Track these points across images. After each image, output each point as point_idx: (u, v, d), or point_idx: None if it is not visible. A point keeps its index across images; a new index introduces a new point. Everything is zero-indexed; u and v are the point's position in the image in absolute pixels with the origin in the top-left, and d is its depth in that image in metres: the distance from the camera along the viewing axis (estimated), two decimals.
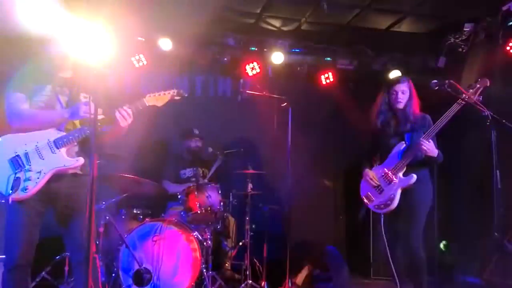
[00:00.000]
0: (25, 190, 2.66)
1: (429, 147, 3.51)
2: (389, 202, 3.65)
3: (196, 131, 5.26)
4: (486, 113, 3.19)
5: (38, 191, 2.70)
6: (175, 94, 2.97)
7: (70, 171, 2.81)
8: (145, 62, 5.48)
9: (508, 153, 3.50)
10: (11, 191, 2.62)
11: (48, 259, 4.20)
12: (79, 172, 2.84)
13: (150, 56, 5.48)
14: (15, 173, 2.66)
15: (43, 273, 4.14)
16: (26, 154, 2.71)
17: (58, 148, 2.75)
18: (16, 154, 2.70)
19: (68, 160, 2.78)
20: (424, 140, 3.49)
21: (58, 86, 2.82)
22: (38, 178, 2.69)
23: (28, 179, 2.67)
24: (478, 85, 3.45)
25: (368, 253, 5.49)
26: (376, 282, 5.29)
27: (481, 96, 3.41)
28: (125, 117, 2.81)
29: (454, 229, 5.54)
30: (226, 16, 5.31)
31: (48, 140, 2.75)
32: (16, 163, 2.70)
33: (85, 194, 2.79)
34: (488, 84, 3.44)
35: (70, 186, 2.82)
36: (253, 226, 4.76)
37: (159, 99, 2.93)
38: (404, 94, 3.74)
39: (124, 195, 4.42)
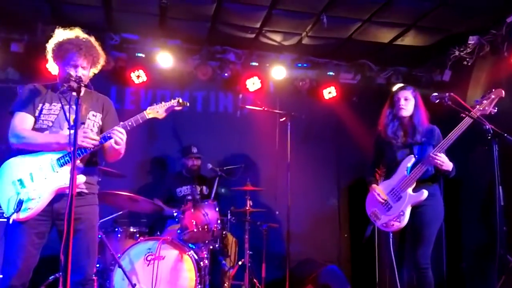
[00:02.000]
0: (27, 210, 2.66)
1: (444, 160, 3.34)
2: (398, 220, 3.45)
3: (195, 150, 5.20)
4: (488, 127, 3.05)
5: (41, 210, 2.69)
6: (175, 104, 2.92)
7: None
8: (145, 79, 5.46)
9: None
10: (13, 211, 2.63)
11: (41, 279, 4.11)
12: (84, 190, 2.82)
13: (150, 72, 5.46)
14: (18, 194, 2.67)
15: None
16: (31, 175, 2.71)
17: (60, 167, 2.74)
18: (21, 175, 2.71)
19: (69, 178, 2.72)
20: (438, 153, 3.32)
21: (67, 105, 2.77)
22: (40, 197, 2.68)
23: (30, 199, 2.66)
24: (493, 96, 3.31)
25: (373, 273, 5.32)
26: None
27: (496, 108, 3.28)
28: (117, 136, 2.74)
29: (463, 247, 5.37)
30: (226, 31, 5.28)
31: (51, 159, 2.75)
32: (20, 184, 2.70)
33: (89, 213, 2.83)
34: (503, 95, 3.30)
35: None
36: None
37: (160, 110, 2.90)
38: (407, 100, 3.58)
39: (120, 213, 4.35)
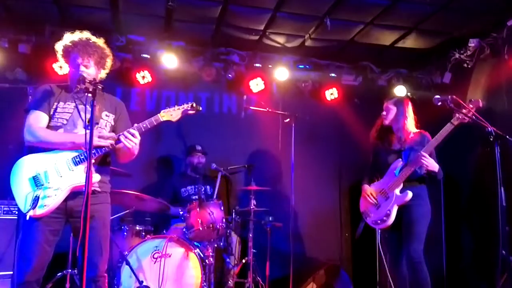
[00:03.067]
0: (43, 207, 2.72)
1: (429, 162, 3.55)
2: (385, 218, 3.71)
3: (199, 147, 5.26)
4: (490, 129, 3.13)
5: (56, 208, 2.75)
6: (189, 108, 2.99)
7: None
8: (150, 79, 5.52)
9: None
10: (29, 207, 2.69)
11: (49, 276, 4.16)
12: (97, 189, 2.89)
13: (155, 73, 5.53)
14: (34, 191, 2.73)
15: None
16: (46, 173, 2.77)
17: (76, 165, 2.80)
18: (37, 172, 2.77)
19: (84, 176, 2.78)
20: (424, 153, 3.53)
21: (81, 104, 2.85)
22: (55, 195, 2.74)
23: (46, 196, 2.72)
24: (471, 105, 3.43)
25: (374, 270, 5.39)
26: None
27: (474, 117, 3.38)
28: (129, 139, 2.81)
29: (463, 248, 5.44)
30: (231, 33, 5.34)
31: (67, 158, 2.81)
32: (37, 181, 2.76)
33: (102, 211, 2.90)
34: (481, 105, 3.43)
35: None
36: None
37: (173, 114, 2.96)
38: (387, 111, 3.86)
39: (127, 211, 4.42)
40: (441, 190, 5.02)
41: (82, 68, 2.88)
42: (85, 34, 2.98)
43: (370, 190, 3.88)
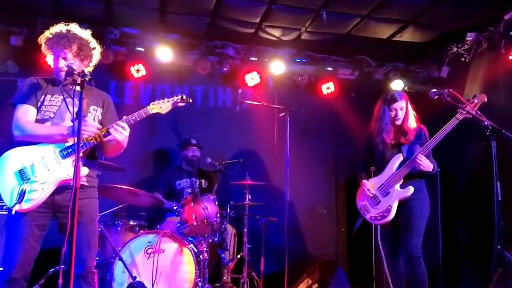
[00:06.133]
0: (29, 201, 2.67)
1: (425, 164, 3.55)
2: (385, 213, 3.68)
3: (194, 141, 5.23)
4: (486, 123, 3.11)
5: (43, 203, 2.71)
6: (179, 100, 2.95)
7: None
8: (144, 73, 5.46)
9: (510, 164, 3.42)
10: (15, 201, 2.64)
11: (41, 271, 4.13)
12: (85, 183, 2.84)
13: (150, 66, 5.47)
14: (20, 184, 2.68)
15: (36, 286, 4.07)
16: (32, 166, 2.72)
17: (63, 159, 2.76)
18: (23, 166, 2.72)
19: (73, 170, 2.73)
20: (421, 156, 3.53)
21: (69, 97, 2.82)
22: (42, 189, 2.69)
23: (32, 190, 2.67)
24: (476, 101, 3.45)
25: (370, 265, 5.37)
26: None
27: (478, 112, 3.37)
28: (119, 131, 2.76)
29: (458, 241, 5.43)
30: (226, 26, 5.29)
31: (54, 151, 2.77)
32: (23, 174, 2.71)
33: (89, 206, 2.85)
34: (486, 100, 3.44)
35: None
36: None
37: (163, 106, 2.92)
38: (402, 110, 3.76)
39: (120, 206, 4.38)
40: (437, 184, 5.00)
41: (60, 60, 2.83)
42: (67, 26, 2.92)
43: (369, 185, 3.82)
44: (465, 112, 3.37)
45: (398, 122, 3.76)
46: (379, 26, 5.25)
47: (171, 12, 5.02)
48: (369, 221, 3.86)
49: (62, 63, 2.83)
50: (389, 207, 3.65)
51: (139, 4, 4.91)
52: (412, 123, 3.77)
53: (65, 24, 2.93)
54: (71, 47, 2.84)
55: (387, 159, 3.76)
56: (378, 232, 3.76)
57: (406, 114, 3.75)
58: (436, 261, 5.07)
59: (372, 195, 3.78)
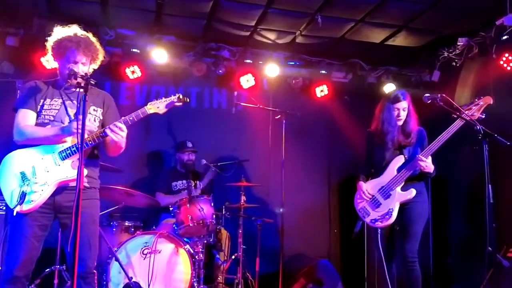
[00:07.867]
0: (30, 202, 2.70)
1: (428, 164, 3.51)
2: (387, 216, 3.60)
3: (190, 144, 5.25)
4: (478, 127, 3.17)
5: (44, 203, 2.73)
6: (176, 100, 2.95)
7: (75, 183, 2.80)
8: (140, 74, 5.48)
9: (501, 168, 3.49)
10: (16, 203, 2.68)
11: (38, 271, 4.14)
12: (86, 184, 2.85)
13: (145, 68, 5.49)
14: (21, 186, 2.72)
15: (32, 286, 4.09)
16: (33, 168, 2.75)
17: (62, 160, 2.78)
18: (24, 168, 2.75)
19: (72, 171, 2.78)
20: (423, 157, 3.49)
21: (68, 100, 2.83)
22: (42, 190, 2.72)
23: (33, 192, 2.71)
24: (482, 102, 3.45)
25: (362, 267, 5.44)
26: None
27: (483, 114, 3.40)
28: (115, 132, 2.78)
29: (449, 243, 5.51)
30: (221, 29, 5.32)
31: (53, 153, 2.79)
32: (23, 176, 2.74)
33: (90, 207, 2.86)
34: (492, 102, 3.44)
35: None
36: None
37: (160, 106, 2.92)
38: (405, 111, 3.72)
39: (116, 207, 4.39)
40: (429, 186, 5.06)
41: (80, 65, 2.83)
42: (77, 30, 2.93)
43: (366, 187, 3.76)
44: (470, 113, 3.37)
45: (400, 123, 3.71)
46: (372, 30, 5.32)
47: (167, 14, 5.04)
48: (369, 224, 3.76)
49: (80, 68, 2.82)
50: (390, 210, 3.59)
51: (135, 5, 4.93)
52: (415, 125, 3.73)
53: (69, 27, 2.93)
54: (85, 51, 2.84)
55: (387, 161, 3.71)
56: (379, 235, 3.67)
57: (409, 115, 3.71)
58: (427, 264, 5.15)
59: (371, 198, 3.72)
